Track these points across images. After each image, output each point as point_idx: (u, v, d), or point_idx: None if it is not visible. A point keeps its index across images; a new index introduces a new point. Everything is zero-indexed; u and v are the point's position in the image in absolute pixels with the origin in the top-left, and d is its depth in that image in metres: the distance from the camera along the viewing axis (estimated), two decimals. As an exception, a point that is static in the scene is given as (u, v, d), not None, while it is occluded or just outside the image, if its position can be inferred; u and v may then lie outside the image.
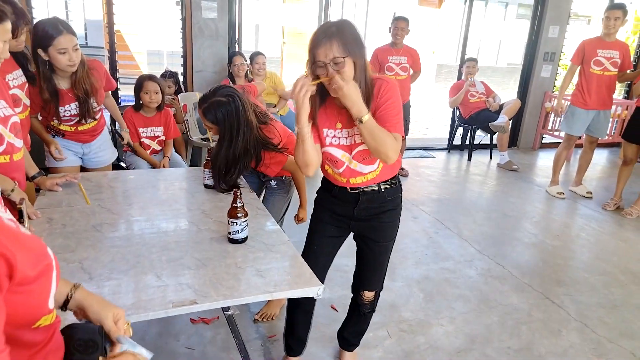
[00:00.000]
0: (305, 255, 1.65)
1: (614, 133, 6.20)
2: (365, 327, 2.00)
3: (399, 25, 4.41)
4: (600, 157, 6.07)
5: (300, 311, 1.89)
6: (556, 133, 6.08)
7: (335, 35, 1.39)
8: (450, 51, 15.44)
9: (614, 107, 6.00)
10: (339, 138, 1.56)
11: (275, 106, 4.60)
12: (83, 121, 2.42)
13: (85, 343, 0.97)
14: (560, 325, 2.42)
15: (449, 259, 3.08)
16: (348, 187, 1.63)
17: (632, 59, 4.38)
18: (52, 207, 1.76)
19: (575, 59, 4.16)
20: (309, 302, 1.87)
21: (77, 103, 2.32)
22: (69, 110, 2.34)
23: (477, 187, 4.76)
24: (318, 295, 1.35)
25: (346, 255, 2.97)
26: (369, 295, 1.86)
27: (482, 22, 15.99)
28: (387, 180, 1.64)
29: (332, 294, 2.52)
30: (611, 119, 6.09)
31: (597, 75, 4.02)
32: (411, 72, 4.62)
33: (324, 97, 1.51)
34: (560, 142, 4.64)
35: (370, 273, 1.83)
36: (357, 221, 1.68)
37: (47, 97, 2.21)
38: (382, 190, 1.64)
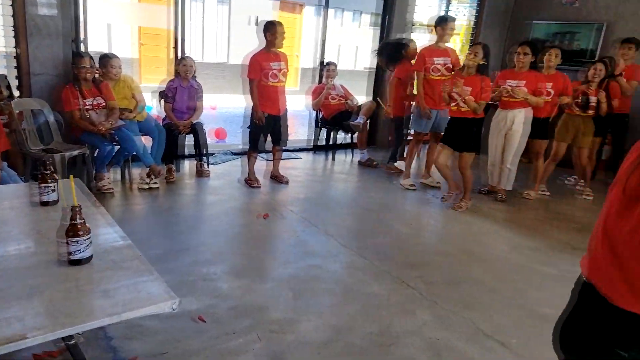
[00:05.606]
0: None
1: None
2: None
3: (281, 30, 4.19)
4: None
5: None
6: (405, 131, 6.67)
7: None
8: (312, 55, 16.02)
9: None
10: None
11: (131, 111, 4.33)
12: None
13: None
14: (415, 305, 2.66)
15: (315, 255, 3.20)
16: None
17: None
18: None
19: (419, 67, 4.62)
20: None
21: None
22: None
23: (341, 184, 5.02)
24: (174, 310, 1.29)
25: (214, 263, 2.93)
26: None
27: (339, 29, 16.89)
28: None
29: (199, 304, 2.45)
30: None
31: (435, 80, 4.53)
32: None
33: None
34: (410, 140, 5.12)
35: None
36: None
37: None
38: None
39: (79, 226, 1.39)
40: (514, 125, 4.35)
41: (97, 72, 4.10)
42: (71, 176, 1.58)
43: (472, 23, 7.38)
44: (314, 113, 6.05)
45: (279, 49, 4.33)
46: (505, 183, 4.58)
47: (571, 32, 6.53)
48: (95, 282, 1.33)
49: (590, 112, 4.53)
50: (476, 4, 7.19)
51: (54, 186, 1.88)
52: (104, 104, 4.04)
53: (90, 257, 1.43)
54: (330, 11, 6.11)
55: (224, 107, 11.09)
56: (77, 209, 1.39)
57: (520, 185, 4.86)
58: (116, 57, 4.28)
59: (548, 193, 4.91)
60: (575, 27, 6.47)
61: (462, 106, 4.04)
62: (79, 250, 1.40)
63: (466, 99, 3.94)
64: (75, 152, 3.83)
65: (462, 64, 4.30)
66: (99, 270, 1.39)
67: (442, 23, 4.51)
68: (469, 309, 2.67)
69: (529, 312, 2.66)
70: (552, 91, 4.40)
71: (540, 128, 4.52)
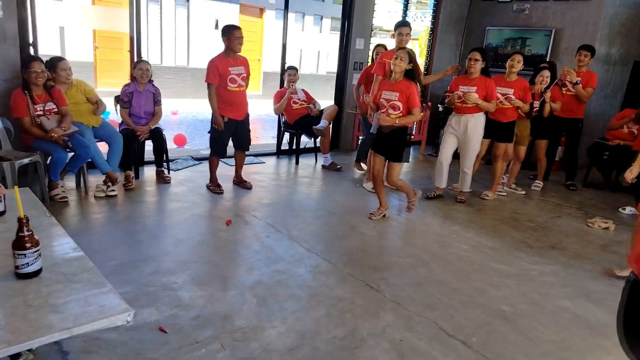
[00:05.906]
0: None
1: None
2: None
3: (238, 34, 4.16)
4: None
5: None
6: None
7: None
8: (275, 59, 15.97)
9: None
10: None
11: (98, 107, 4.24)
12: None
13: None
14: (378, 308, 2.68)
15: (280, 260, 3.17)
16: None
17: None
18: None
19: (379, 71, 4.66)
20: None
21: None
22: None
23: (305, 188, 5.02)
24: (128, 322, 1.25)
25: (175, 273, 2.86)
26: None
27: (301, 33, 16.92)
28: None
29: (160, 314, 2.38)
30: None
31: None
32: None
33: None
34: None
35: None
36: None
37: None
38: None
39: (26, 238, 1.33)
40: (468, 130, 4.47)
41: (48, 76, 3.93)
42: (16, 186, 1.51)
43: (429, 29, 7.56)
44: (281, 118, 6.02)
45: (239, 53, 4.29)
46: (463, 185, 4.71)
47: (523, 37, 6.80)
48: (44, 297, 1.27)
49: (533, 114, 4.84)
50: (432, 10, 7.38)
51: (1, 196, 1.79)
52: (56, 109, 3.88)
53: (40, 271, 1.37)
54: (291, 15, 6.13)
55: (186, 112, 10.90)
56: (24, 221, 1.33)
57: (480, 186, 5.00)
58: (64, 59, 4.13)
59: (504, 193, 5.08)
60: (527, 33, 6.75)
61: (391, 113, 3.85)
62: (27, 263, 1.33)
63: (387, 119, 3.83)
64: (26, 160, 3.66)
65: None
66: (48, 284, 1.33)
67: (398, 28, 4.60)
68: (431, 309, 2.71)
69: (488, 311, 2.73)
70: (512, 97, 4.56)
71: (504, 132, 4.69)
